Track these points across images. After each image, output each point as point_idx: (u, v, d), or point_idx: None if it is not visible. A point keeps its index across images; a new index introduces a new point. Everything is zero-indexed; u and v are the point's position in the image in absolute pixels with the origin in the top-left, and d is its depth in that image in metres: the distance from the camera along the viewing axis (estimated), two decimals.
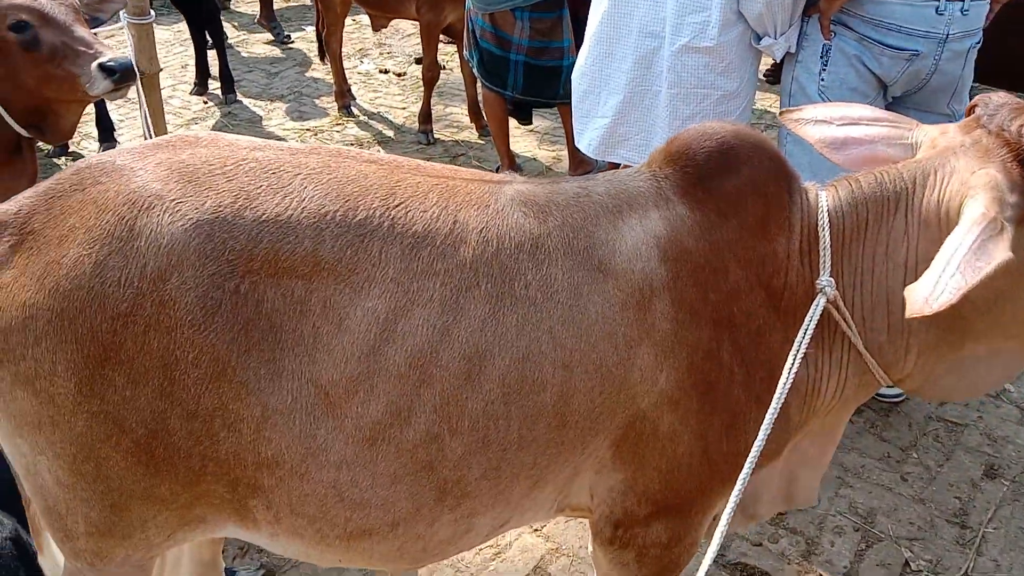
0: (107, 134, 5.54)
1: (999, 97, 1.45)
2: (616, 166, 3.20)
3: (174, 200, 1.32)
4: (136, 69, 2.68)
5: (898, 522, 2.72)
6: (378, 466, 1.38)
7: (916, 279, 1.42)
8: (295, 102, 6.58)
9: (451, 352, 1.35)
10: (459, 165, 5.43)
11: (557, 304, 1.40)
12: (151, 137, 2.93)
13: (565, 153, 5.37)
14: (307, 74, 7.27)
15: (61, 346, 1.31)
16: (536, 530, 2.64)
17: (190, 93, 6.59)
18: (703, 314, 1.45)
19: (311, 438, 1.36)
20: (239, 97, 6.57)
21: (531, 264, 1.41)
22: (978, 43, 2.63)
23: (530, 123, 5.51)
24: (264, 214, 1.33)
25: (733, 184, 1.49)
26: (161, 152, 1.41)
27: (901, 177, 1.48)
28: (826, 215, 1.48)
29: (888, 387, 1.57)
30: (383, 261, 1.35)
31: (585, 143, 3.02)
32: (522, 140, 5.74)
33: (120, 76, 2.51)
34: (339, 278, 1.34)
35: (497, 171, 5.19)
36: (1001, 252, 1.24)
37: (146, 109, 3.11)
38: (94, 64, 2.49)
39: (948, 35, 2.53)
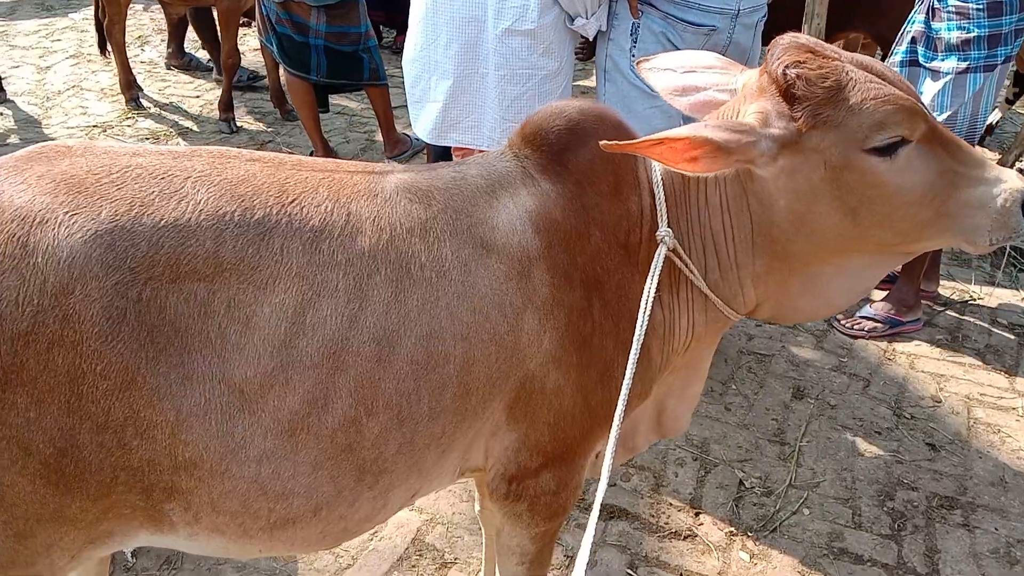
0: None
1: (785, 38, 1.58)
2: (447, 150, 3.31)
3: (68, 212, 1.29)
4: None
5: (728, 447, 3.05)
6: (299, 455, 1.43)
7: (731, 218, 1.63)
8: (76, 97, 6.16)
9: (361, 337, 1.42)
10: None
11: (451, 281, 1.50)
12: None
13: (378, 134, 5.40)
14: (82, 66, 6.80)
15: None
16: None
17: None
18: (574, 277, 1.60)
19: (229, 436, 1.38)
20: (8, 96, 6.05)
21: (423, 247, 1.50)
22: (764, 16, 2.95)
23: (327, 110, 5.47)
24: (162, 219, 1.34)
25: (585, 156, 1.63)
26: (37, 165, 1.36)
27: None
28: (658, 171, 1.66)
29: (741, 319, 1.76)
30: (285, 257, 1.39)
31: (420, 128, 3.09)
32: (331, 123, 5.71)
33: None
34: (242, 277, 1.36)
35: (311, 156, 5.15)
36: (717, 134, 1.42)
37: None
38: None
39: (739, 11, 2.83)
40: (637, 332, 1.51)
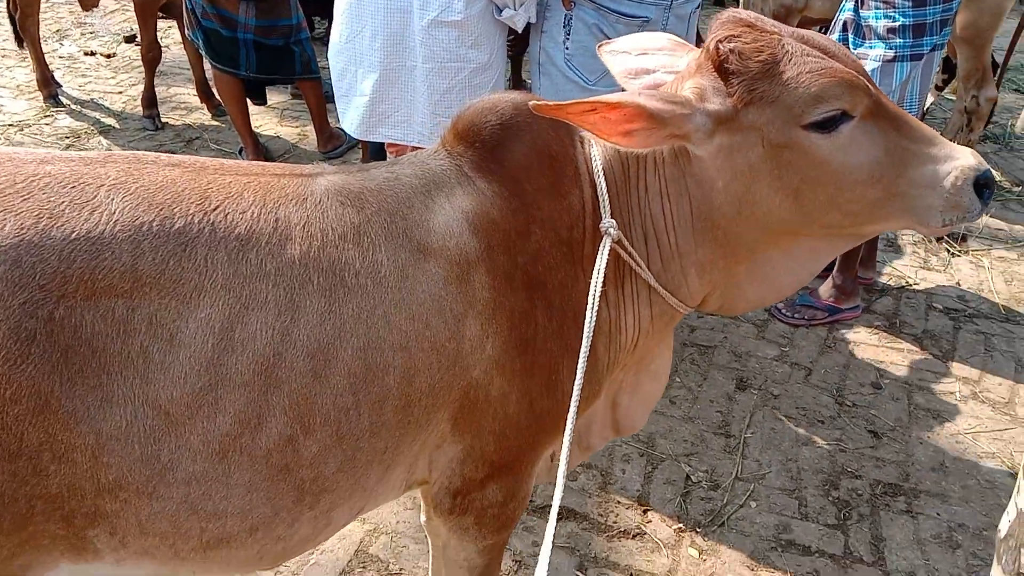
0: None
1: (724, 13, 1.53)
2: (382, 145, 3.22)
3: None
4: None
5: (674, 442, 3.03)
6: (232, 477, 1.35)
7: (671, 204, 1.57)
8: None
9: (295, 352, 1.34)
10: (195, 151, 5.15)
11: (387, 288, 1.42)
12: None
13: (310, 128, 5.26)
14: None
15: None
16: None
17: None
18: (515, 278, 1.53)
19: (155, 459, 1.30)
20: None
21: (357, 253, 1.42)
22: (698, 6, 2.92)
23: (264, 103, 5.32)
24: (74, 232, 1.24)
25: (520, 152, 1.57)
26: None
27: None
28: (599, 161, 1.59)
29: (690, 312, 1.72)
30: (210, 268, 1.30)
31: (347, 123, 3.00)
32: (260, 118, 5.54)
33: None
34: (164, 291, 1.27)
35: (240, 153, 4.99)
36: (650, 102, 1.37)
37: None
38: None
39: (672, 2, 2.79)
40: (586, 330, 1.45)
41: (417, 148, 2.89)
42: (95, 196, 1.29)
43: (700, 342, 3.57)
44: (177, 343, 1.28)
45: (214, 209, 1.35)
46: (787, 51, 1.41)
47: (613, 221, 1.55)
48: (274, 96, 5.81)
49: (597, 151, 1.60)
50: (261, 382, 1.32)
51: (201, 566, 1.46)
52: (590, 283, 1.53)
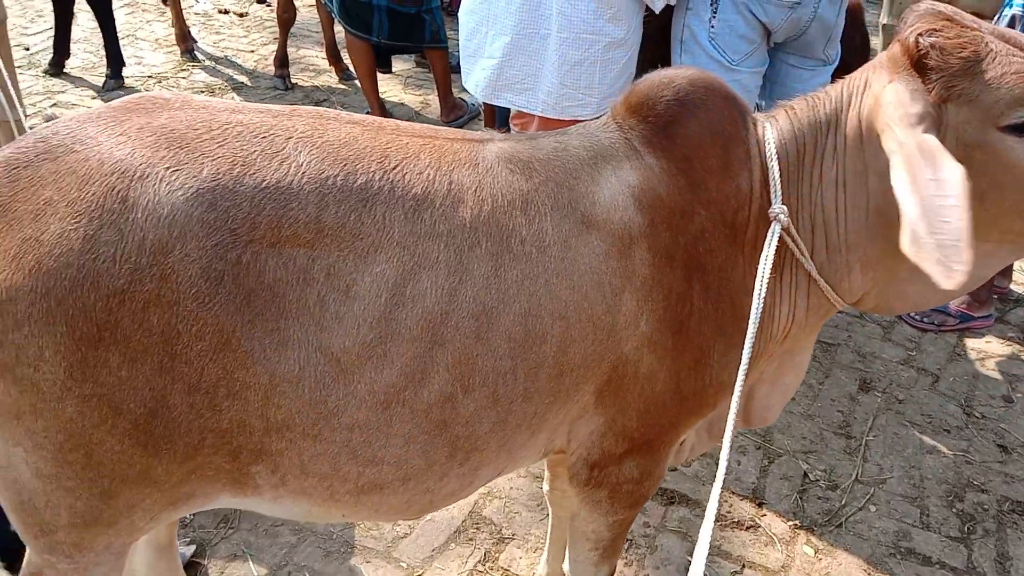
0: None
1: (922, 5, 1.48)
2: (500, 110, 3.16)
3: (169, 168, 1.25)
4: None
5: (793, 438, 2.97)
6: (392, 427, 1.39)
7: (846, 195, 1.52)
8: (131, 47, 6.12)
9: (460, 312, 1.37)
10: None
11: (551, 258, 1.43)
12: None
13: (433, 97, 5.32)
14: (137, 15, 6.77)
15: (47, 329, 1.21)
16: None
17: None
18: (676, 257, 1.52)
19: (322, 403, 1.34)
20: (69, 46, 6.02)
21: (524, 220, 1.43)
22: None
23: (390, 70, 5.40)
24: (264, 180, 1.29)
25: (693, 130, 1.54)
26: (136, 116, 1.32)
27: (831, 99, 1.55)
28: (773, 146, 1.56)
29: (844, 309, 1.67)
30: (387, 225, 1.34)
31: (472, 83, 2.96)
32: (385, 84, 5.62)
33: None
34: (343, 244, 1.31)
35: None
36: (951, 168, 1.27)
37: None
38: None
39: None
40: (752, 316, 1.42)
41: (542, 118, 2.87)
42: (284, 147, 1.33)
43: (823, 339, 3.48)
44: (352, 295, 1.32)
45: (393, 168, 1.38)
46: (991, 49, 1.36)
47: (784, 207, 1.51)
48: (398, 64, 5.90)
49: (772, 134, 1.56)
50: (428, 339, 1.35)
51: (352, 509, 1.51)
52: (750, 268, 1.51)
